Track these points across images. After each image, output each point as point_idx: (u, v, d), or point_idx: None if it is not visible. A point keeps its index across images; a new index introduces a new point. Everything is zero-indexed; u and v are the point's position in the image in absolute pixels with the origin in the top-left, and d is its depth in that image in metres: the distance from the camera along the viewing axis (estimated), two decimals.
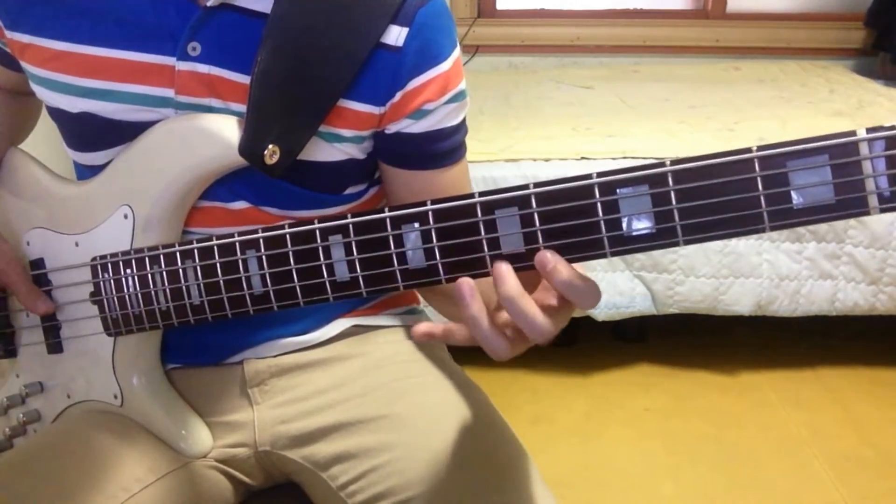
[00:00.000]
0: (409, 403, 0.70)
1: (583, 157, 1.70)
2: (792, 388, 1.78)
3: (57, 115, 0.68)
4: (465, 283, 0.49)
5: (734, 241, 1.67)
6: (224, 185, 0.66)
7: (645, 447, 1.60)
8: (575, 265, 0.49)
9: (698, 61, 2.72)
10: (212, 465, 0.71)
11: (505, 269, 0.48)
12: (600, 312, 1.71)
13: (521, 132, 1.91)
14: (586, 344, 1.98)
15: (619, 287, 1.70)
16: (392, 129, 0.68)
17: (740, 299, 1.69)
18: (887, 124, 0.42)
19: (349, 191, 0.72)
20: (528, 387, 1.81)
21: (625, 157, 1.69)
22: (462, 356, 0.85)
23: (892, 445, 1.57)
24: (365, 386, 0.73)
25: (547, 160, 1.70)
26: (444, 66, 0.67)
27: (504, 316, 0.51)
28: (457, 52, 0.69)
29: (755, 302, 1.69)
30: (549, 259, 0.48)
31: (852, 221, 1.64)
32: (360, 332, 0.78)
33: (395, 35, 0.64)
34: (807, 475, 1.50)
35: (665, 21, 2.76)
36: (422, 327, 0.52)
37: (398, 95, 0.66)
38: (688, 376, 1.84)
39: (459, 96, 0.70)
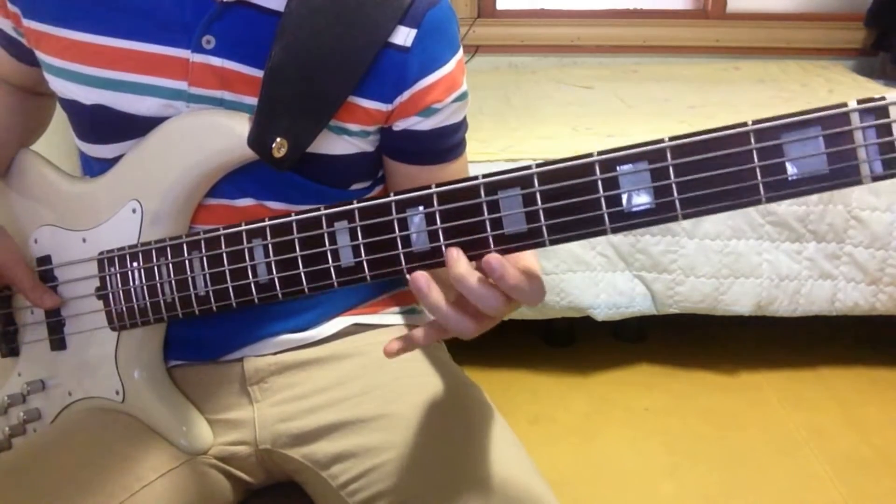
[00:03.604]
0: (409, 403, 0.70)
1: None
2: (792, 388, 1.78)
3: (70, 106, 0.69)
4: (421, 275, 0.51)
5: (734, 240, 1.67)
6: (230, 182, 0.67)
7: (645, 447, 1.60)
8: (527, 256, 0.52)
9: (698, 61, 2.72)
10: (212, 464, 0.71)
11: (455, 252, 0.51)
12: (600, 312, 1.71)
13: (521, 132, 1.91)
14: (586, 344, 1.98)
15: (619, 287, 1.70)
16: (400, 125, 0.69)
17: (740, 299, 1.69)
18: (877, 96, 0.43)
19: (354, 187, 0.73)
20: (528, 387, 1.81)
21: None
22: (462, 356, 0.85)
23: (892, 445, 1.58)
24: (365, 385, 0.73)
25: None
26: (450, 67, 0.69)
27: (463, 300, 0.53)
28: (460, 52, 0.71)
29: (755, 302, 1.69)
30: (495, 268, 0.50)
31: (852, 221, 1.65)
32: (360, 330, 0.78)
33: (404, 36, 0.66)
34: (807, 475, 1.50)
35: (665, 21, 2.76)
36: (393, 345, 0.56)
37: (406, 94, 0.67)
38: (688, 376, 1.84)
39: (463, 96, 0.72)
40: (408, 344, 0.56)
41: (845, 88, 2.29)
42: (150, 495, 0.65)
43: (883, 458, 1.54)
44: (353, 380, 0.73)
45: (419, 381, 0.74)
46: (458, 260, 0.51)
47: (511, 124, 2.00)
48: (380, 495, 0.64)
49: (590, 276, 1.70)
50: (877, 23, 2.61)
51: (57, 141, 0.79)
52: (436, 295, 0.51)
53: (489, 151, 1.74)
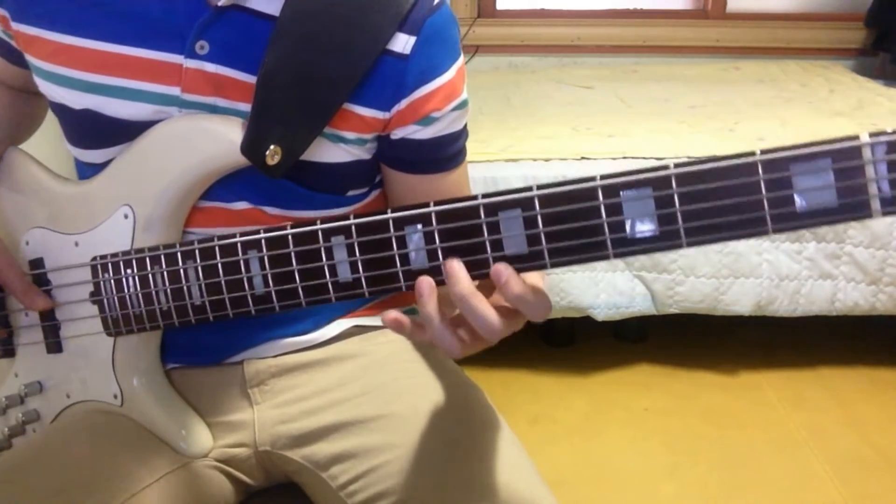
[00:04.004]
0: (409, 403, 0.70)
1: (583, 157, 1.70)
2: (792, 388, 1.78)
3: (60, 110, 0.68)
4: (426, 280, 0.51)
5: (734, 240, 1.67)
6: (225, 186, 0.66)
7: (645, 447, 1.60)
8: (531, 275, 0.51)
9: (698, 61, 2.72)
10: (212, 465, 0.71)
11: (457, 267, 0.50)
12: (600, 312, 1.71)
13: (521, 132, 1.91)
14: (586, 344, 1.98)
15: (619, 287, 1.70)
16: (398, 134, 0.68)
17: (740, 299, 1.69)
18: (890, 129, 0.43)
19: (351, 193, 0.72)
20: (528, 387, 1.81)
21: (625, 158, 1.69)
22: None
23: (892, 445, 1.57)
24: (365, 386, 0.73)
25: (547, 160, 1.70)
26: (450, 75, 0.68)
27: (460, 318, 0.52)
28: (461, 60, 0.70)
29: (755, 302, 1.69)
30: (502, 272, 0.49)
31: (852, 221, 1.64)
32: (361, 332, 0.78)
33: (403, 43, 0.65)
34: (807, 475, 1.50)
35: (665, 21, 2.76)
36: (391, 313, 0.53)
37: (404, 103, 0.66)
38: (688, 376, 1.84)
39: (463, 104, 0.70)
40: (407, 327, 0.53)
41: (845, 88, 2.29)
42: (149, 497, 0.65)
43: (883, 458, 1.54)
44: (352, 381, 0.73)
45: (419, 381, 0.74)
46: (459, 278, 0.50)
47: (511, 124, 2.00)
48: (379, 496, 0.64)
49: (590, 276, 1.70)
50: (877, 23, 2.61)
51: (52, 137, 0.78)
52: (433, 306, 0.51)
53: (489, 151, 1.74)
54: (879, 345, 1.91)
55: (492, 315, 0.49)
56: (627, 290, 1.70)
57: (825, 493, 1.45)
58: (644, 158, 1.68)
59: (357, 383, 0.73)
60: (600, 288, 1.70)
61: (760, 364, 1.87)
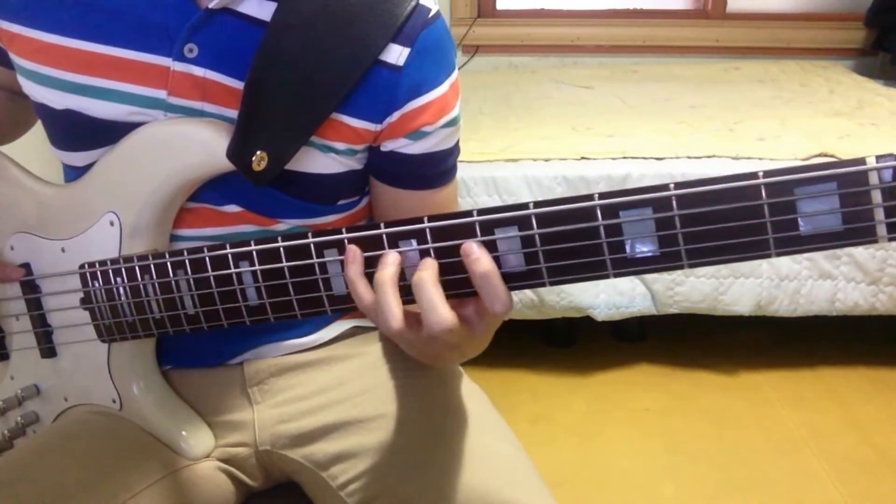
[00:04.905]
0: (408, 403, 0.70)
1: (583, 157, 1.69)
2: (792, 388, 1.78)
3: (41, 110, 0.67)
4: (392, 254, 0.51)
5: None
6: (215, 190, 0.65)
7: (645, 447, 1.60)
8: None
9: (698, 61, 2.72)
10: (213, 466, 0.71)
11: (430, 261, 0.51)
12: (600, 312, 1.71)
13: (521, 132, 1.91)
14: (586, 344, 1.98)
15: (619, 287, 1.70)
16: (388, 146, 0.67)
17: (740, 299, 1.69)
18: None
19: (342, 202, 0.71)
20: (528, 387, 1.81)
21: (625, 158, 1.69)
22: None
23: (892, 445, 1.57)
24: (364, 385, 0.73)
25: (547, 160, 1.69)
26: (443, 89, 0.67)
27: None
28: (455, 75, 0.69)
29: (755, 302, 1.69)
30: (473, 248, 0.49)
31: None
32: (361, 332, 0.78)
33: (396, 55, 0.64)
34: (807, 475, 1.50)
35: (665, 21, 2.76)
36: (355, 249, 0.53)
37: (396, 115, 0.65)
38: (688, 376, 1.84)
39: (455, 121, 0.69)
40: (356, 257, 0.53)
41: (845, 88, 2.29)
42: (150, 498, 0.65)
43: (883, 458, 1.54)
44: (352, 380, 0.73)
45: (418, 381, 0.74)
46: (428, 265, 0.50)
47: (511, 124, 2.00)
48: (379, 495, 0.64)
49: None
50: (877, 23, 2.61)
51: (45, 140, 0.77)
52: (357, 268, 0.51)
53: (489, 151, 1.74)
54: (879, 345, 1.91)
55: (444, 307, 0.49)
56: (627, 290, 1.70)
57: (825, 493, 1.45)
58: (644, 158, 1.68)
59: (356, 383, 0.73)
60: (600, 288, 1.70)
61: (760, 364, 1.86)
